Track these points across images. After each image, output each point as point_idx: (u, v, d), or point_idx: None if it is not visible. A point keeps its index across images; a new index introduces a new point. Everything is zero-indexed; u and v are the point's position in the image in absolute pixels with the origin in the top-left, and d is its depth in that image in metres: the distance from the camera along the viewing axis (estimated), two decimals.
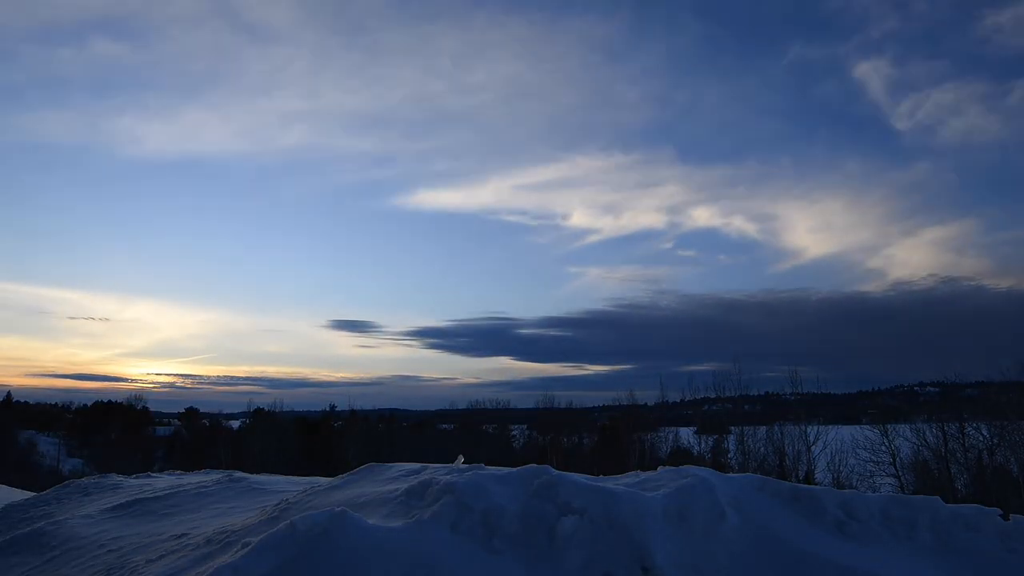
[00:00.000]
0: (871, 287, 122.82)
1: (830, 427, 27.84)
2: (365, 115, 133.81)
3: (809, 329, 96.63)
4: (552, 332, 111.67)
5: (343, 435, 44.22)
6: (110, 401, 70.99)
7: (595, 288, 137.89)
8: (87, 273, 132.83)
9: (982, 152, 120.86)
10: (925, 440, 24.87)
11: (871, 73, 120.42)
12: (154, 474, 13.94)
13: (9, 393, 71.82)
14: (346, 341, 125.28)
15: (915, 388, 55.49)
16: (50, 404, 75.94)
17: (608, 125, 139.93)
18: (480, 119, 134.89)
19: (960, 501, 18.20)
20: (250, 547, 4.82)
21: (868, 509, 5.62)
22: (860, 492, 6.30)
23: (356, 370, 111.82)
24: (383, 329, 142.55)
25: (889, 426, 25.95)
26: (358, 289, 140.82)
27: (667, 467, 6.30)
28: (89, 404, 71.98)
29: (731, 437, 32.68)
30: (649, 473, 6.31)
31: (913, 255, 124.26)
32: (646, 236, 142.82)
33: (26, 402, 74.27)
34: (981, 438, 23.51)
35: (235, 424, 59.88)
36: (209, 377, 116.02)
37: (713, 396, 32.70)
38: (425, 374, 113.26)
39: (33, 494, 13.85)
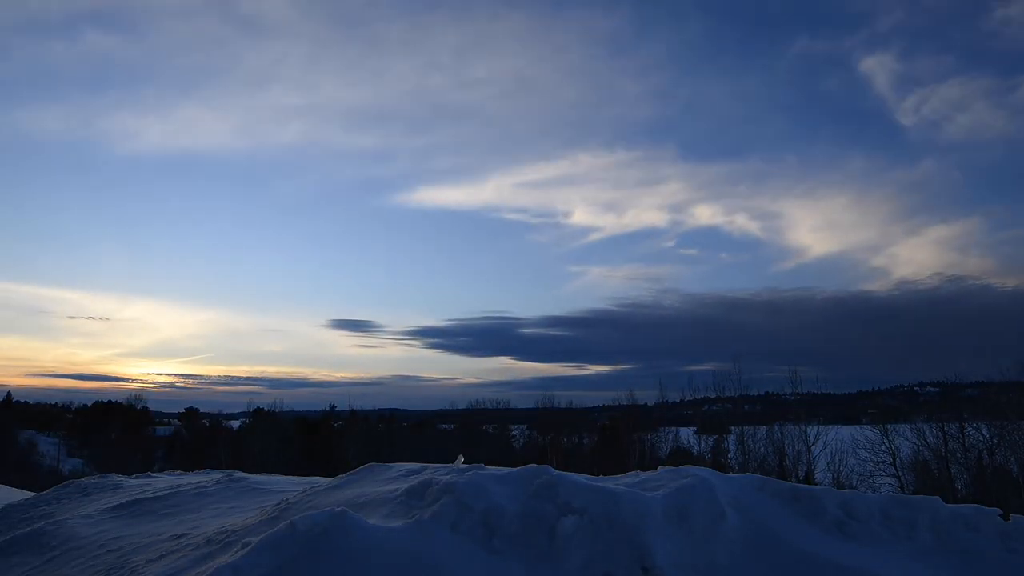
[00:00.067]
0: (875, 286, 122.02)
1: (830, 427, 27.84)
2: (364, 110, 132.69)
3: (813, 328, 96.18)
4: (553, 332, 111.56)
5: (343, 435, 44.22)
6: (110, 401, 71.07)
7: (596, 287, 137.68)
8: (85, 272, 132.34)
9: (988, 149, 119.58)
10: (925, 440, 24.87)
11: (876, 68, 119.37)
12: (154, 474, 13.94)
13: (9, 393, 71.92)
14: (346, 341, 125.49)
15: (915, 388, 55.53)
16: (50, 404, 76.05)
17: (610, 121, 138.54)
18: (481, 114, 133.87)
19: (960, 501, 18.19)
20: (250, 547, 4.82)
21: (868, 509, 5.63)
22: (860, 492, 6.30)
23: (356, 370, 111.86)
24: (383, 328, 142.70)
25: (889, 426, 25.95)
26: (358, 288, 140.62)
27: (667, 467, 6.30)
28: (89, 404, 72.08)
29: (731, 437, 32.68)
30: (649, 473, 6.31)
31: (917, 254, 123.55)
32: (648, 234, 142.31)
33: (26, 402, 74.36)
34: (981, 438, 23.52)
35: (235, 424, 59.88)
36: (209, 377, 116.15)
37: (713, 396, 32.73)
38: (425, 374, 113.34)
39: (33, 494, 13.85)
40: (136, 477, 13.08)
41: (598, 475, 6.85)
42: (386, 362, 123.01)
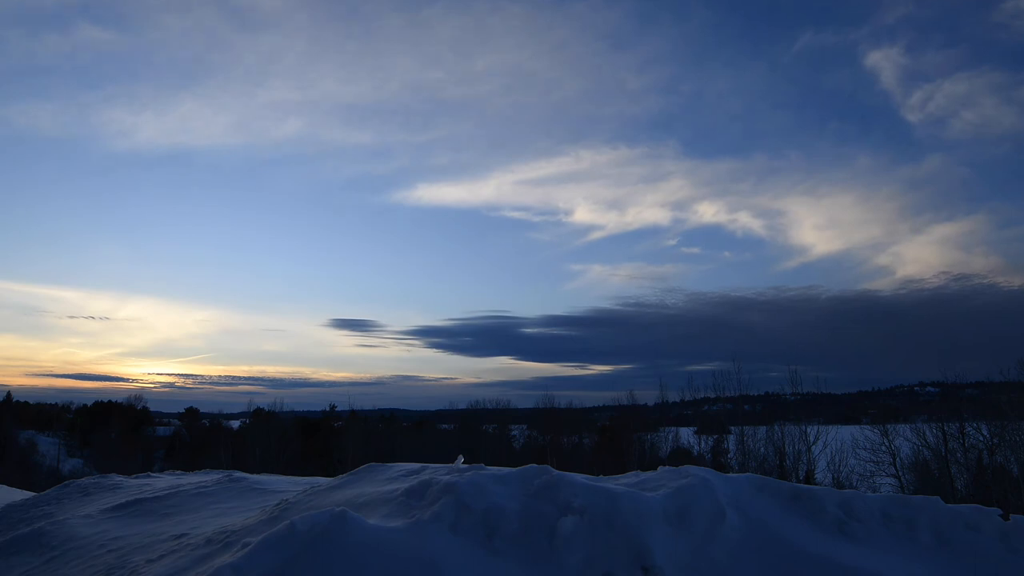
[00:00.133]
0: (880, 285, 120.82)
1: (830, 427, 27.81)
2: (362, 106, 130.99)
3: (816, 328, 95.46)
4: (555, 331, 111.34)
5: (343, 435, 44.20)
6: (110, 401, 71.12)
7: (598, 286, 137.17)
8: (83, 271, 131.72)
9: (994, 145, 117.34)
10: (925, 440, 24.85)
11: (883, 62, 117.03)
12: (154, 474, 13.94)
13: (9, 393, 71.82)
14: (346, 340, 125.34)
15: (915, 388, 55.56)
16: (50, 404, 76.08)
17: (612, 117, 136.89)
18: (481, 110, 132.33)
19: (960, 501, 18.24)
20: (250, 547, 4.82)
21: (868, 509, 5.63)
22: (860, 492, 6.30)
23: (356, 370, 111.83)
24: (384, 328, 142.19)
25: (889, 426, 25.93)
26: (358, 287, 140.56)
27: (667, 467, 6.30)
28: (89, 404, 72.11)
29: (731, 437, 32.67)
30: (649, 473, 6.31)
31: (923, 252, 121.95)
32: (650, 233, 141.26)
33: (26, 402, 74.36)
34: (981, 438, 23.50)
35: (235, 424, 59.89)
36: (209, 377, 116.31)
37: (713, 396, 32.67)
38: (425, 374, 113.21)
39: (33, 494, 13.86)
40: (136, 477, 13.09)
41: (598, 475, 6.85)
42: (386, 362, 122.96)
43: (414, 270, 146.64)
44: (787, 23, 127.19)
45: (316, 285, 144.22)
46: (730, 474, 6.47)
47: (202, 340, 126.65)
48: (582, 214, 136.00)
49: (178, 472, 14.48)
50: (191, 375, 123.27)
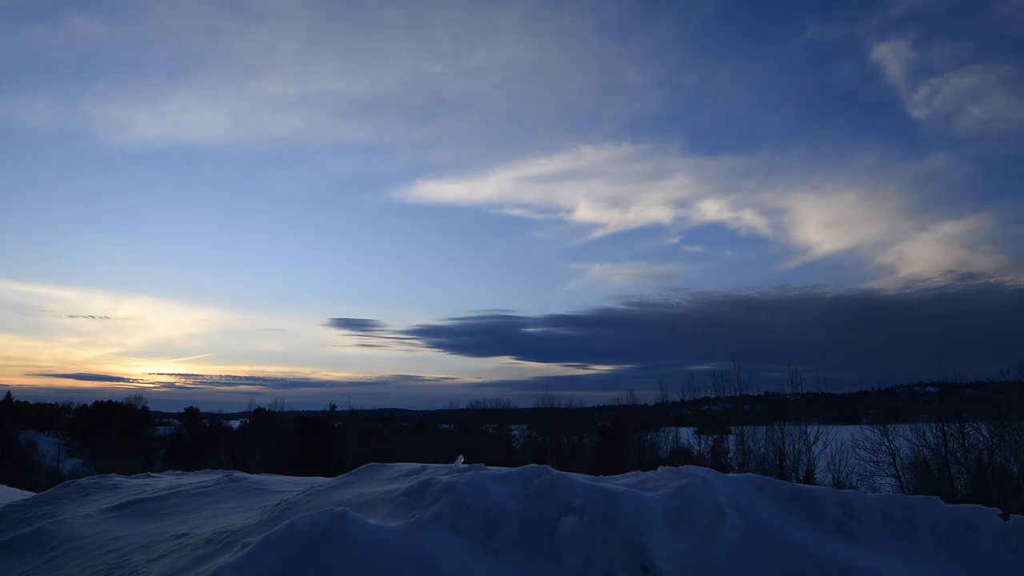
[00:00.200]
0: (883, 284, 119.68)
1: (830, 427, 27.81)
2: (361, 100, 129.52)
3: (820, 328, 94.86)
4: (556, 330, 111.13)
5: (343, 435, 44.21)
6: (110, 401, 71.14)
7: (600, 285, 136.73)
8: (81, 270, 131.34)
9: (1002, 141, 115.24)
10: (925, 440, 24.85)
11: (890, 55, 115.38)
12: (154, 474, 13.95)
13: (9, 393, 71.90)
14: (347, 340, 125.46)
15: (915, 388, 55.53)
16: (49, 404, 76.11)
17: (615, 112, 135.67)
18: (482, 105, 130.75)
19: (960, 501, 18.25)
20: (250, 547, 4.82)
21: (868, 509, 5.63)
22: (860, 492, 6.30)
23: (356, 370, 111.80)
24: (385, 328, 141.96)
25: (889, 426, 25.93)
26: (358, 286, 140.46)
27: (667, 467, 6.30)
28: (89, 404, 72.14)
29: (731, 437, 32.67)
30: (649, 473, 6.31)
31: (927, 251, 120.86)
32: (653, 231, 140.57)
33: (26, 402, 74.40)
34: (981, 438, 23.50)
35: (235, 424, 59.91)
36: (209, 377, 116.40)
37: (713, 396, 32.67)
38: (425, 374, 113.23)
39: (33, 494, 13.86)
40: (136, 477, 13.09)
41: (598, 475, 6.85)
42: (386, 362, 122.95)
43: (414, 269, 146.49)
44: (792, 15, 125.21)
45: (316, 284, 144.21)
46: (730, 474, 6.47)
47: (202, 340, 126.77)
48: (584, 212, 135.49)
49: (178, 472, 14.49)
50: (191, 375, 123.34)
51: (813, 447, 26.11)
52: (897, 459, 25.06)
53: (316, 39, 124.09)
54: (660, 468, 6.35)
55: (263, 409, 52.23)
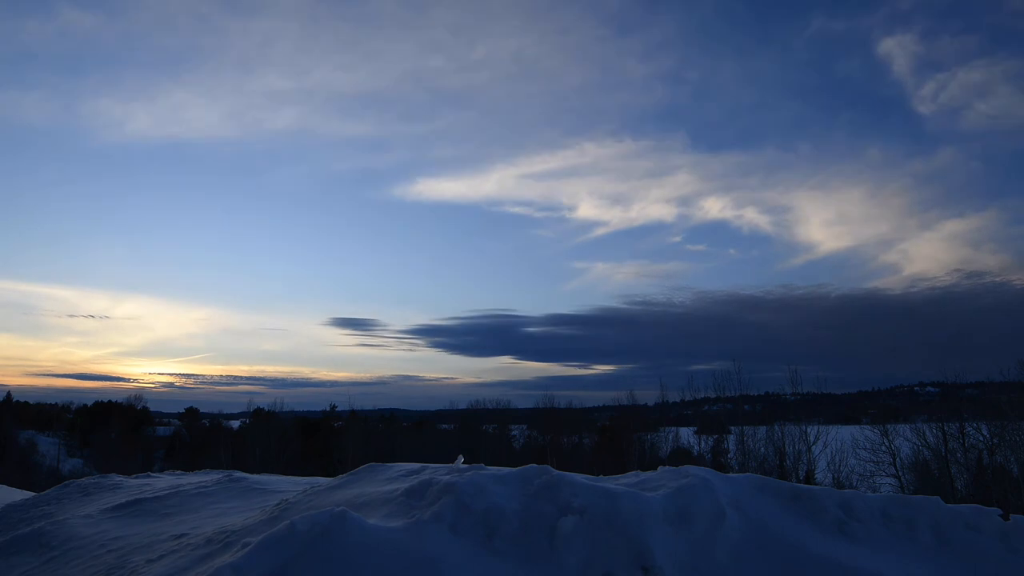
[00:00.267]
0: (887, 283, 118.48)
1: (830, 427, 27.83)
2: (359, 95, 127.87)
3: (823, 327, 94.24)
4: (558, 330, 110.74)
5: (343, 435, 44.21)
6: (110, 401, 71.16)
7: (601, 284, 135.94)
8: (80, 269, 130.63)
9: (1009, 137, 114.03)
10: (925, 440, 24.87)
11: (896, 49, 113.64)
12: (154, 474, 13.94)
13: (9, 393, 71.94)
14: (347, 340, 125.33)
15: (915, 388, 55.52)
16: (49, 404, 76.15)
17: (617, 107, 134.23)
18: (482, 100, 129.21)
19: (960, 501, 18.24)
20: (250, 547, 4.82)
21: (868, 509, 5.63)
22: (860, 492, 6.30)
23: (357, 370, 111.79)
24: (385, 327, 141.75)
25: (889, 426, 25.94)
26: (358, 285, 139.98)
27: (667, 467, 6.29)
28: (89, 404, 72.15)
29: (731, 437, 32.68)
30: (649, 473, 6.31)
31: (931, 250, 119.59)
32: (655, 229, 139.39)
33: (25, 402, 74.42)
34: (981, 438, 23.51)
35: (235, 424, 59.94)
36: (209, 377, 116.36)
37: (713, 396, 32.70)
38: (426, 374, 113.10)
39: (33, 494, 13.86)
40: (136, 477, 13.09)
41: (598, 475, 6.84)
42: (387, 362, 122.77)
43: (415, 268, 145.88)
44: (797, 9, 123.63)
45: (316, 284, 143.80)
46: (730, 474, 6.46)
47: (201, 339, 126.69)
48: (586, 210, 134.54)
49: (178, 472, 14.48)
50: (191, 375, 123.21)
51: (813, 447, 26.13)
52: (897, 459, 25.07)
53: (314, 33, 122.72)
54: (660, 468, 6.35)
55: (263, 409, 52.30)
